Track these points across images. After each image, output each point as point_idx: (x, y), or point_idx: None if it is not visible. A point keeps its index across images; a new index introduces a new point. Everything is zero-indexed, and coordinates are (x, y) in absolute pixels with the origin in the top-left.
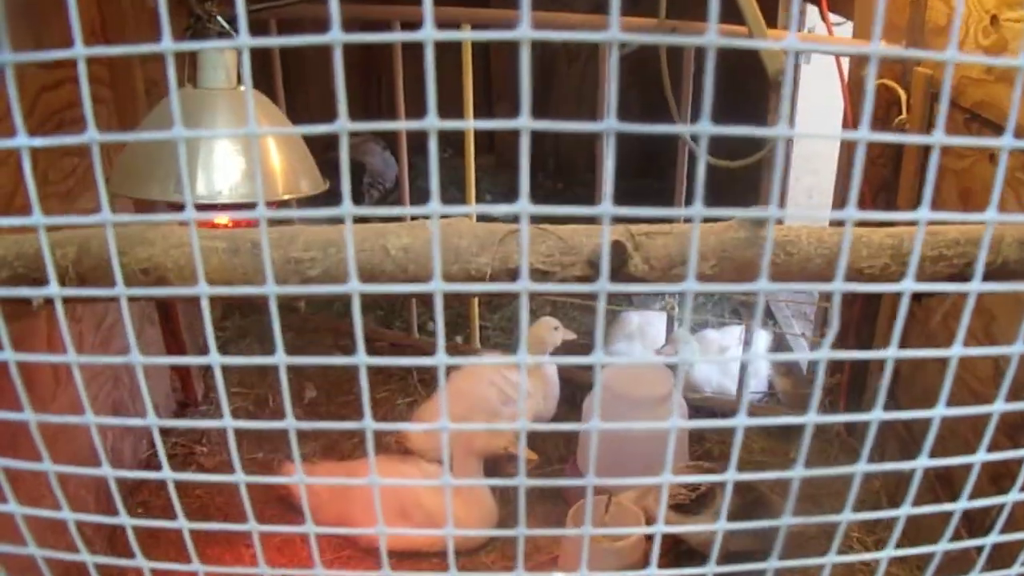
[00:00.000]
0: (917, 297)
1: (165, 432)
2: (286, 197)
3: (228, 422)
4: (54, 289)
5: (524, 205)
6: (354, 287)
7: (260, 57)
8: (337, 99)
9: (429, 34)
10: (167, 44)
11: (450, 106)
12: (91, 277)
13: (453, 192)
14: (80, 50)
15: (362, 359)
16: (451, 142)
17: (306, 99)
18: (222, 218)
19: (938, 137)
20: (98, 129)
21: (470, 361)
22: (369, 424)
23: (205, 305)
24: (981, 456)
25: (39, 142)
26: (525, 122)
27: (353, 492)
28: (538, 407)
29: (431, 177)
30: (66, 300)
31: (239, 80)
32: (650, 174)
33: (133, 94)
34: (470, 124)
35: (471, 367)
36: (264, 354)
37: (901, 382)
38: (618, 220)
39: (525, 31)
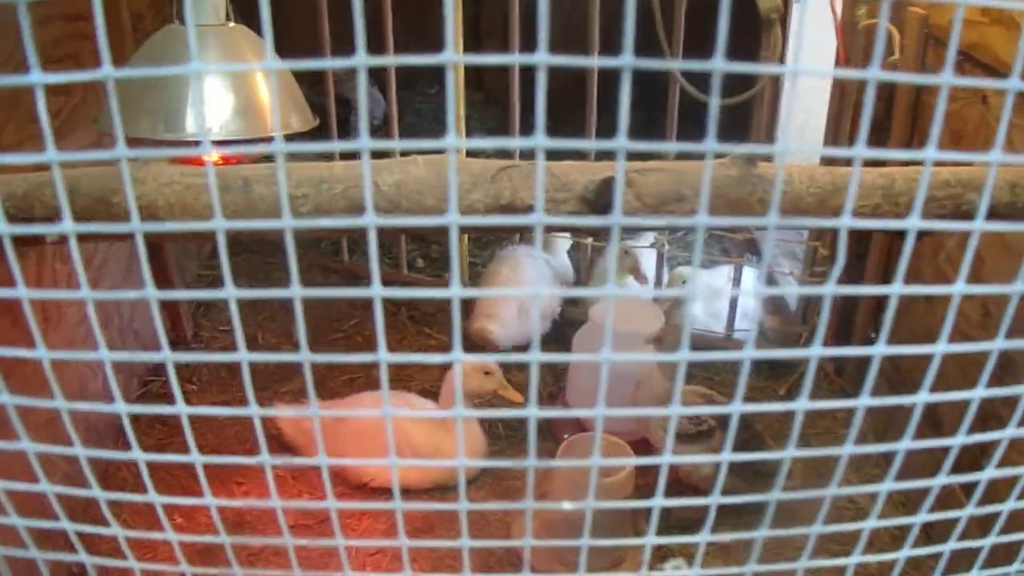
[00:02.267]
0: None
1: (154, 371)
2: (275, 134)
3: (243, 355)
4: (68, 225)
5: (540, 140)
6: (370, 220)
7: None
8: (322, 38)
9: None
10: None
11: (438, 42)
12: (82, 216)
13: (442, 128)
14: None
15: (377, 291)
16: (439, 79)
17: (292, 35)
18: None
19: (945, 78)
20: (83, 65)
21: (481, 294)
22: (384, 357)
23: (221, 241)
24: (980, 392)
25: (53, 78)
26: (544, 57)
27: (342, 430)
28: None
29: (448, 110)
30: (58, 241)
31: (228, 15)
32: (639, 108)
33: (120, 29)
34: (491, 59)
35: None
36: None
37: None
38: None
39: None
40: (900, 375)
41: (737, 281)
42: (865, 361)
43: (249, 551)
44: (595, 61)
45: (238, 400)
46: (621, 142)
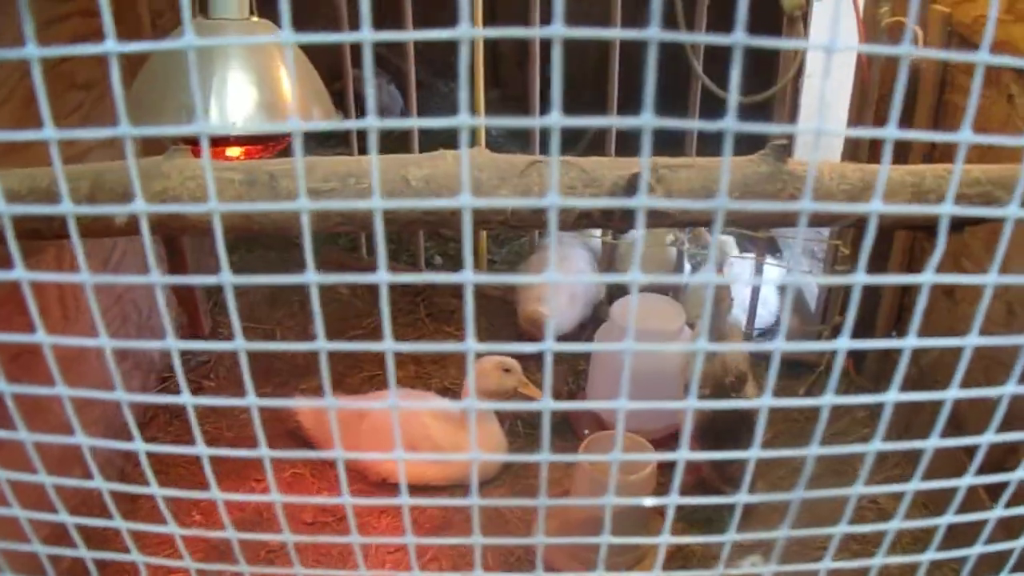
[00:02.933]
0: (959, 227)
1: (169, 368)
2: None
3: (240, 344)
4: (67, 206)
5: (556, 118)
6: (376, 204)
7: None
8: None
9: None
10: None
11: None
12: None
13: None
14: None
15: (383, 277)
16: (455, 76)
17: (314, 28)
18: (234, 150)
19: (983, 56)
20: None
21: (495, 280)
22: (389, 346)
23: (217, 224)
24: (1009, 388)
25: (50, 52)
26: (559, 29)
27: (361, 426)
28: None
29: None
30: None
31: (252, 9)
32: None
33: (139, 26)
34: (508, 32)
35: None
36: (272, 290)
37: (910, 319)
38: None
39: None
40: (922, 377)
41: (759, 277)
42: (886, 359)
43: (268, 548)
44: (616, 33)
45: (259, 396)
46: (647, 118)
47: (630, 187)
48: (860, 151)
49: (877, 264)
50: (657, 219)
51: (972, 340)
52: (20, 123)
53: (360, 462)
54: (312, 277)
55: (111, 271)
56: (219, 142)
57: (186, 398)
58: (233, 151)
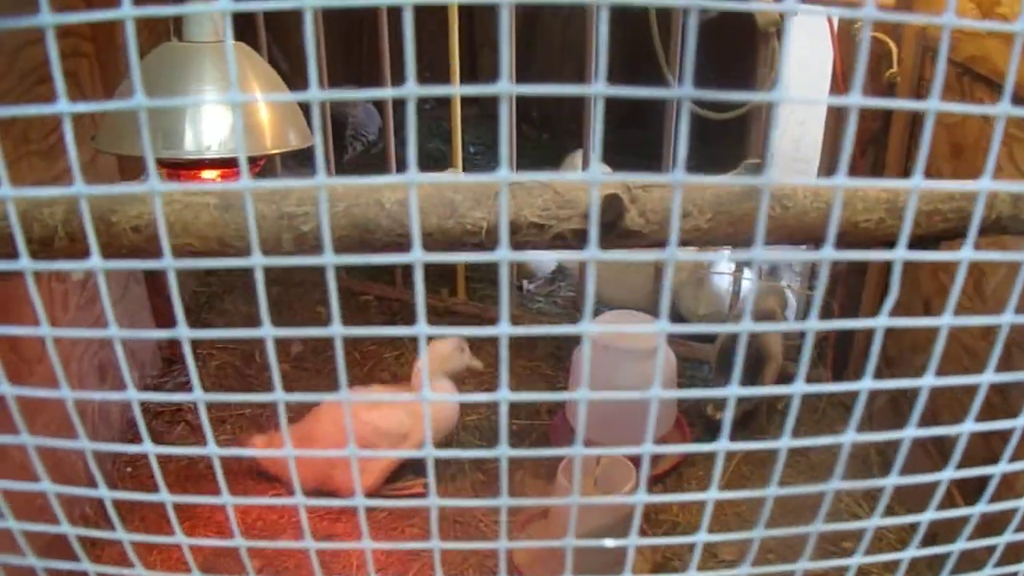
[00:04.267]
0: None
1: (153, 388)
2: (274, 152)
3: (198, 395)
4: (24, 262)
5: (504, 174)
6: (328, 259)
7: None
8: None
9: None
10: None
11: (434, 52)
12: (80, 236)
13: (437, 144)
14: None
15: (337, 330)
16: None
17: (290, 48)
18: (210, 173)
19: (933, 104)
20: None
21: (447, 332)
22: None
23: (172, 279)
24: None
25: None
26: (506, 86)
27: (316, 443)
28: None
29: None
30: (56, 258)
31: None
32: (634, 124)
33: (115, 47)
34: (454, 90)
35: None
36: (250, 309)
37: (890, 337)
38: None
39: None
40: (902, 392)
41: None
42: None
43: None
44: (560, 89)
45: (234, 417)
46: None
47: (606, 209)
48: (837, 152)
49: (856, 277)
50: (633, 240)
51: (929, 380)
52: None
53: (333, 482)
54: (269, 331)
55: (89, 292)
56: (195, 165)
57: (148, 447)
58: (209, 174)
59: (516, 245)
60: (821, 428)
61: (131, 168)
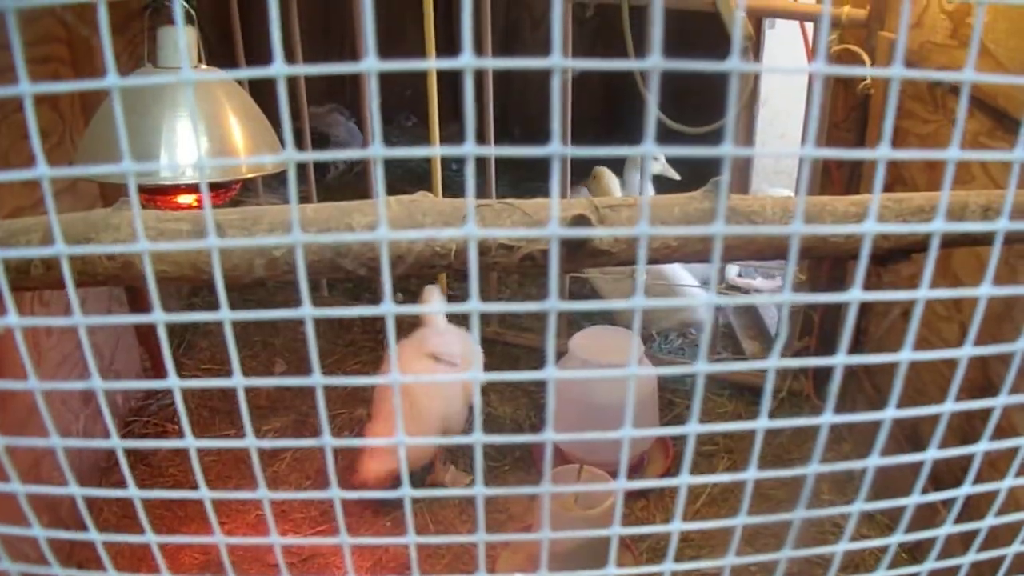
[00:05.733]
0: (882, 262)
1: (137, 411)
2: (250, 176)
3: (190, 442)
4: (12, 319)
5: (471, 229)
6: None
7: (221, 28)
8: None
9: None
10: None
11: (412, 50)
12: (55, 262)
13: (418, 162)
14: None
15: (307, 311)
16: (416, 111)
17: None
18: (187, 198)
19: (883, 152)
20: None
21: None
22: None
23: (162, 333)
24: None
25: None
26: (470, 148)
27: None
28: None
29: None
30: (33, 286)
31: (200, 58)
32: (611, 131)
33: (95, 72)
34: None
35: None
36: (235, 330)
37: (870, 344)
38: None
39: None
40: (880, 395)
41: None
42: (848, 381)
43: None
44: (523, 151)
45: (226, 438)
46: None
47: (574, 227)
48: (815, 166)
49: (834, 287)
50: (602, 259)
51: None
52: None
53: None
54: (239, 380)
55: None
56: (171, 190)
57: (132, 492)
58: (185, 198)
59: (485, 266)
60: (808, 446)
61: (112, 194)
